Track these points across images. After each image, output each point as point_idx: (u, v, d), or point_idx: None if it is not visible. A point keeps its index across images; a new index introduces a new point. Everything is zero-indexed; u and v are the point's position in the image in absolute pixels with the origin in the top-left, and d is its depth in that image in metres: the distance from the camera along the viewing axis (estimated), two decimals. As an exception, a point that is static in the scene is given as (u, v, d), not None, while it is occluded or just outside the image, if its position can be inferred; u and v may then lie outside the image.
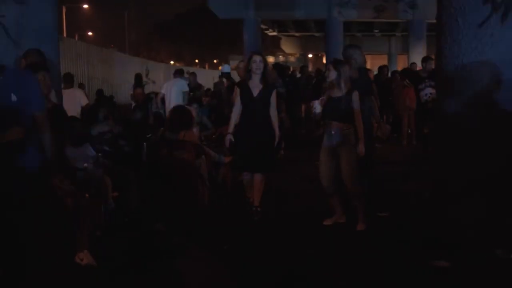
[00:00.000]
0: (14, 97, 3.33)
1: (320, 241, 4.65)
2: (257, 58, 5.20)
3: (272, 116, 5.26)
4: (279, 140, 5.34)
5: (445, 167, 4.68)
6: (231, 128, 5.28)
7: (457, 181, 4.49)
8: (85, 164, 4.82)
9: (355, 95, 4.93)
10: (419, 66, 11.08)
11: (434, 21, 5.01)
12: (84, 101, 7.98)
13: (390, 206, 5.53)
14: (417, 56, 16.91)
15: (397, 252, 4.26)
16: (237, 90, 5.35)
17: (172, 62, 44.61)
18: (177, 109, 5.80)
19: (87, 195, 4.39)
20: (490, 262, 3.95)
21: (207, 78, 29.01)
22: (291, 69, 17.08)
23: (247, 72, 5.25)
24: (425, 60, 9.02)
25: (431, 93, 7.85)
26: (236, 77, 8.91)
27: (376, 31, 30.05)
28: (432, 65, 9.20)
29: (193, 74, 13.16)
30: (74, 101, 7.53)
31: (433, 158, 5.12)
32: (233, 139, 5.20)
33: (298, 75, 14.85)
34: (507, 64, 4.15)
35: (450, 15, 4.49)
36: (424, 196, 5.51)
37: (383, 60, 32.62)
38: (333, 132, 4.96)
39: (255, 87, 5.20)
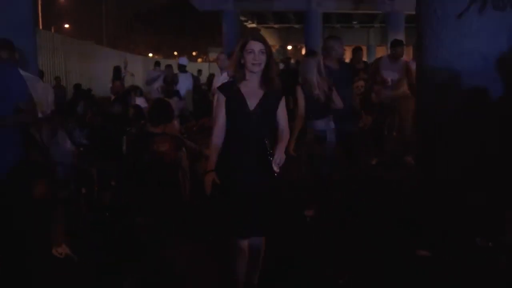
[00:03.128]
0: None
1: (312, 233, 4.65)
2: (256, 46, 3.12)
3: (280, 142, 3.19)
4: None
5: (430, 158, 4.71)
6: (212, 162, 3.18)
7: (441, 171, 4.53)
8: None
9: (297, 89, 4.91)
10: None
11: (413, 12, 5.03)
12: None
13: (374, 196, 5.56)
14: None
15: (386, 246, 4.26)
16: (220, 98, 3.21)
17: (150, 55, 44.26)
18: (157, 102, 5.75)
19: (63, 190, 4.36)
20: (470, 250, 4.01)
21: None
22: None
23: (239, 69, 3.17)
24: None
25: (362, 86, 7.96)
26: (215, 70, 8.84)
27: (355, 22, 30.22)
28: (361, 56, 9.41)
29: (169, 67, 12.41)
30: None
31: (419, 149, 5.13)
32: (218, 181, 3.13)
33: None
34: (486, 54, 4.19)
35: (429, 6, 4.52)
36: (409, 187, 5.56)
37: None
38: None
39: (253, 93, 3.18)
